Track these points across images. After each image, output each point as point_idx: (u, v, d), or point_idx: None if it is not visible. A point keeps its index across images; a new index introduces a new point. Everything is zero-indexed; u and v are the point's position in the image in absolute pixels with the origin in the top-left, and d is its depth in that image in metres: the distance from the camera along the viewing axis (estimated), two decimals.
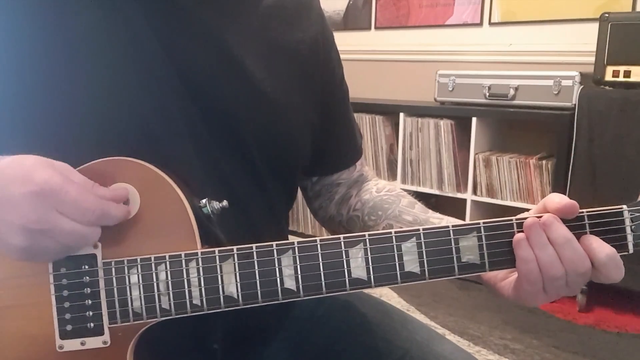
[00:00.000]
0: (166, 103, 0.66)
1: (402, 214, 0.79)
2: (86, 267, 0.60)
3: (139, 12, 0.65)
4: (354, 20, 3.28)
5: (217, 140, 0.69)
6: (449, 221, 0.75)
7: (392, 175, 2.90)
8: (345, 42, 3.24)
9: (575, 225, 0.60)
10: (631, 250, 0.60)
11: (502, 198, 2.57)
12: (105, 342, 0.60)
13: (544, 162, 2.46)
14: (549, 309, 2.33)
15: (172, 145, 0.66)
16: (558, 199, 0.60)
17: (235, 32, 0.70)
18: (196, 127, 0.67)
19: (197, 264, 0.59)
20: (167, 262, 0.59)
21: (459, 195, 2.68)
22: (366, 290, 0.64)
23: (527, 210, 2.39)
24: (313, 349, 0.80)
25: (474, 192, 2.64)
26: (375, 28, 3.22)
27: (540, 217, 0.60)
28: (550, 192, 2.44)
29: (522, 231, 0.60)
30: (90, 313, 0.60)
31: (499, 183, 2.57)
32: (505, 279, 0.64)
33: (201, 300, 0.59)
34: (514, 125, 2.76)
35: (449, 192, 2.70)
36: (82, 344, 0.60)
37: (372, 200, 0.83)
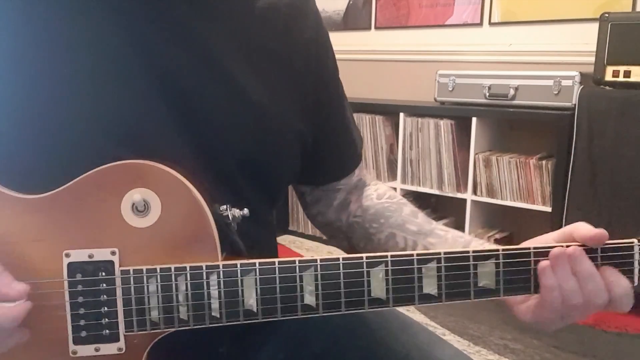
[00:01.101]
0: (142, 107, 0.64)
1: (405, 224, 0.78)
2: (103, 274, 0.59)
3: (120, 14, 0.64)
4: (354, 20, 3.28)
5: (194, 146, 0.66)
6: (453, 235, 0.76)
7: (392, 175, 2.90)
8: (345, 42, 3.24)
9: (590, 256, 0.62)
10: (636, 283, 0.62)
11: (502, 198, 2.58)
12: (120, 349, 0.60)
13: (544, 162, 2.46)
14: None
15: (146, 149, 0.63)
16: (587, 228, 0.61)
17: (221, 37, 0.68)
18: (171, 132, 0.65)
19: (219, 276, 0.59)
20: (188, 274, 0.59)
21: (459, 195, 2.69)
22: None
23: (527, 210, 2.37)
24: (311, 352, 0.79)
25: (474, 192, 2.65)
26: (375, 28, 3.21)
27: (567, 246, 0.61)
28: (550, 192, 2.42)
29: (539, 260, 0.61)
30: (106, 320, 0.59)
31: (499, 183, 2.58)
32: (523, 302, 0.65)
33: (220, 313, 0.59)
34: (514, 125, 2.77)
35: (449, 192, 2.70)
36: (97, 350, 0.59)
37: (373, 207, 0.82)
